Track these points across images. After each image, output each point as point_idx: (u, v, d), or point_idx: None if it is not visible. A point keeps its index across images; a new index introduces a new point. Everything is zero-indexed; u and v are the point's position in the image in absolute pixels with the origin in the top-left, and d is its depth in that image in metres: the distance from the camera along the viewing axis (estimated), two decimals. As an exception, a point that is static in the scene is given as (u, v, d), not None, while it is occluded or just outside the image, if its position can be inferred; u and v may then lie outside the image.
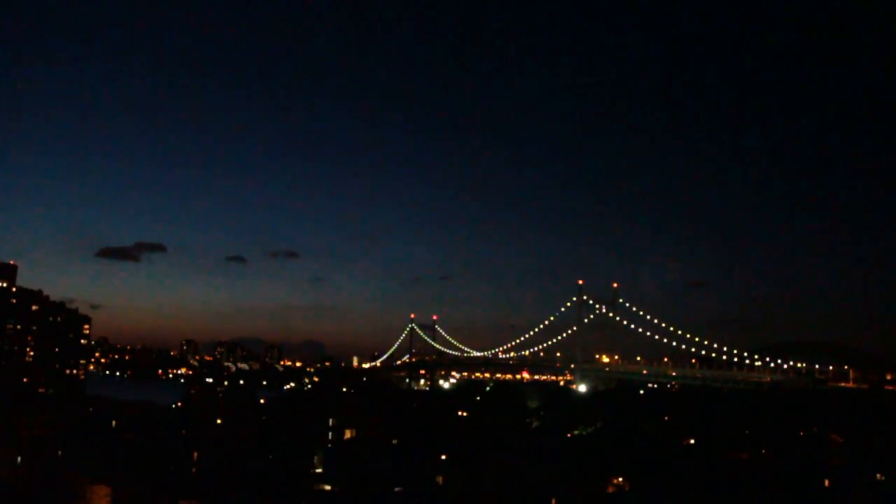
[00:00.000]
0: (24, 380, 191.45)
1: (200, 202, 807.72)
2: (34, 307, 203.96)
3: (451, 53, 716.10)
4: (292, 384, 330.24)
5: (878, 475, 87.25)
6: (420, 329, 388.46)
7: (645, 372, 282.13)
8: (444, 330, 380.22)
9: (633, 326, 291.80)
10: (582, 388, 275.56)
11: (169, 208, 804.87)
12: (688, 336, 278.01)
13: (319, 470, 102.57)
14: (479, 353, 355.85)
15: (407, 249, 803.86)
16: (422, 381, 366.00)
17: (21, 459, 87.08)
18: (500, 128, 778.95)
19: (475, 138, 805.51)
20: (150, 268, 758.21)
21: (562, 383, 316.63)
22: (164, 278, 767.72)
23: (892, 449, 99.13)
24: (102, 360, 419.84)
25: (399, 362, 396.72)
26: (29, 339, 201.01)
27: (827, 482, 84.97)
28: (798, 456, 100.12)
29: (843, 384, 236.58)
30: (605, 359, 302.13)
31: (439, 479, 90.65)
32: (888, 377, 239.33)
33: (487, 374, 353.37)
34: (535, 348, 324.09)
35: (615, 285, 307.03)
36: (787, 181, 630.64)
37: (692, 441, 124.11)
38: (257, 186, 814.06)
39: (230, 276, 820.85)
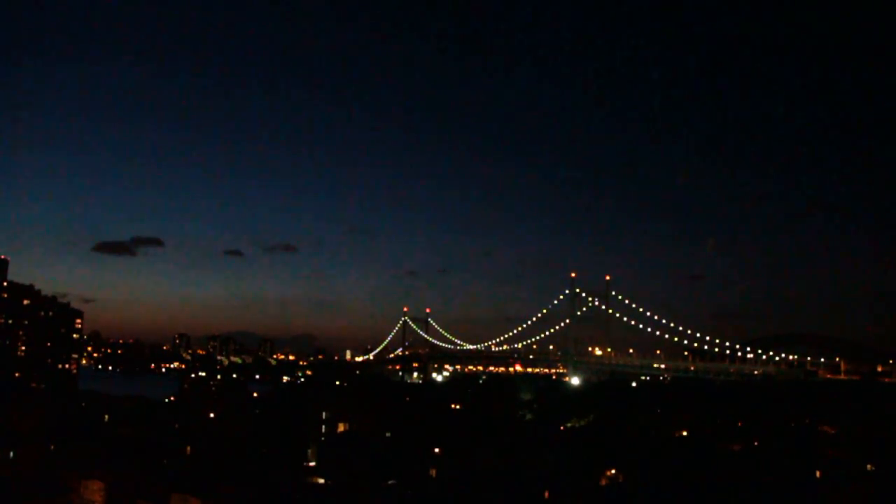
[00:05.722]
0: (16, 374, 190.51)
1: (198, 197, 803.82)
2: (26, 302, 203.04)
3: (447, 51, 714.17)
4: (286, 378, 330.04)
5: (869, 466, 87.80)
6: (413, 322, 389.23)
7: (635, 364, 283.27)
8: (437, 323, 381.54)
9: (625, 319, 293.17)
10: (575, 380, 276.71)
11: (166, 203, 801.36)
12: (680, 329, 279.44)
13: (313, 463, 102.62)
14: (472, 347, 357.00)
15: (402, 244, 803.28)
16: (415, 375, 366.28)
17: (13, 454, 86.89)
18: (495, 123, 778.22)
19: (469, 133, 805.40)
20: (147, 262, 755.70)
21: (555, 376, 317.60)
22: (161, 273, 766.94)
23: (883, 440, 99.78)
24: (95, 355, 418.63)
25: (392, 355, 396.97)
26: (20, 333, 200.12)
27: (818, 473, 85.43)
28: (790, 447, 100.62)
29: (834, 376, 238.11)
30: (598, 351, 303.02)
31: (432, 472, 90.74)
32: (879, 369, 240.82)
33: (480, 367, 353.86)
34: (528, 341, 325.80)
35: (608, 278, 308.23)
36: (781, 176, 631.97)
37: (685, 433, 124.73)
38: (254, 181, 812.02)
39: (227, 270, 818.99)
